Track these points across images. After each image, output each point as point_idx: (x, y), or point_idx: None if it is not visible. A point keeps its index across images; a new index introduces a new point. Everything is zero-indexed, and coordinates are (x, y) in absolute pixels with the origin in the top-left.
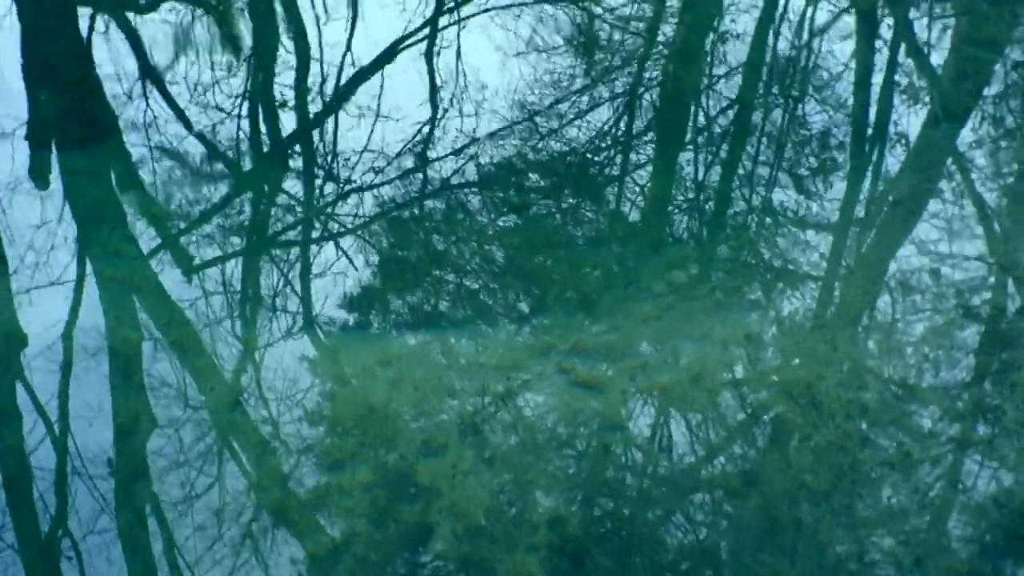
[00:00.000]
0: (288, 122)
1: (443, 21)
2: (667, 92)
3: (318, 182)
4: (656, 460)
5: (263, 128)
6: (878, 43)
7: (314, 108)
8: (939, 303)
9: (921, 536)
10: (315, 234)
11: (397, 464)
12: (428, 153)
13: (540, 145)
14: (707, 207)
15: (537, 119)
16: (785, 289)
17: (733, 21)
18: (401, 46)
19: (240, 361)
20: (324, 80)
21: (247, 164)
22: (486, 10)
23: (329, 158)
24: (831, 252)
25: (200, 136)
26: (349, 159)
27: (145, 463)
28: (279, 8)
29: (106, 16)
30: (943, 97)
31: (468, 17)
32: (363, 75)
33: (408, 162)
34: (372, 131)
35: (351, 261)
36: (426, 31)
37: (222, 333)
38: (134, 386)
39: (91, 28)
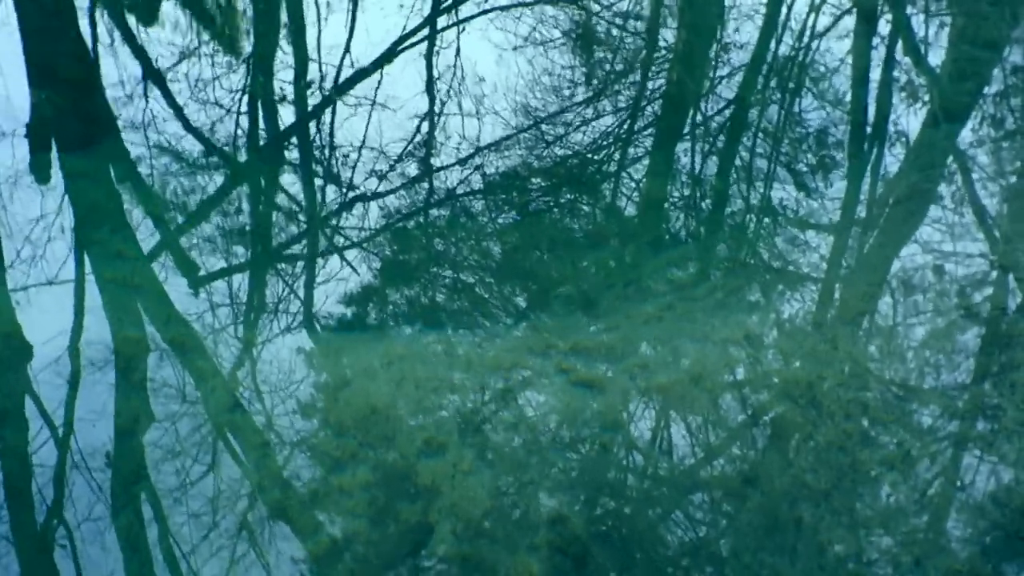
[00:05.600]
0: (289, 122)
1: (443, 20)
2: (668, 92)
3: (319, 183)
4: (656, 460)
5: (264, 129)
6: (878, 44)
7: (314, 109)
8: (939, 303)
9: (921, 536)
10: (316, 234)
11: (398, 464)
12: (428, 153)
13: (540, 145)
14: (707, 207)
15: (538, 119)
16: (785, 289)
17: (734, 22)
18: (401, 46)
19: (241, 361)
20: (324, 81)
21: (247, 165)
22: (485, 11)
23: (330, 159)
24: (831, 252)
25: (200, 136)
26: (350, 160)
27: (145, 463)
28: (279, 10)
29: (106, 16)
30: (943, 97)
31: (468, 19)
32: (363, 76)
33: (408, 162)
34: (372, 133)
35: (352, 262)
36: (426, 30)
37: (223, 333)
38: (135, 386)
39: (93, 29)
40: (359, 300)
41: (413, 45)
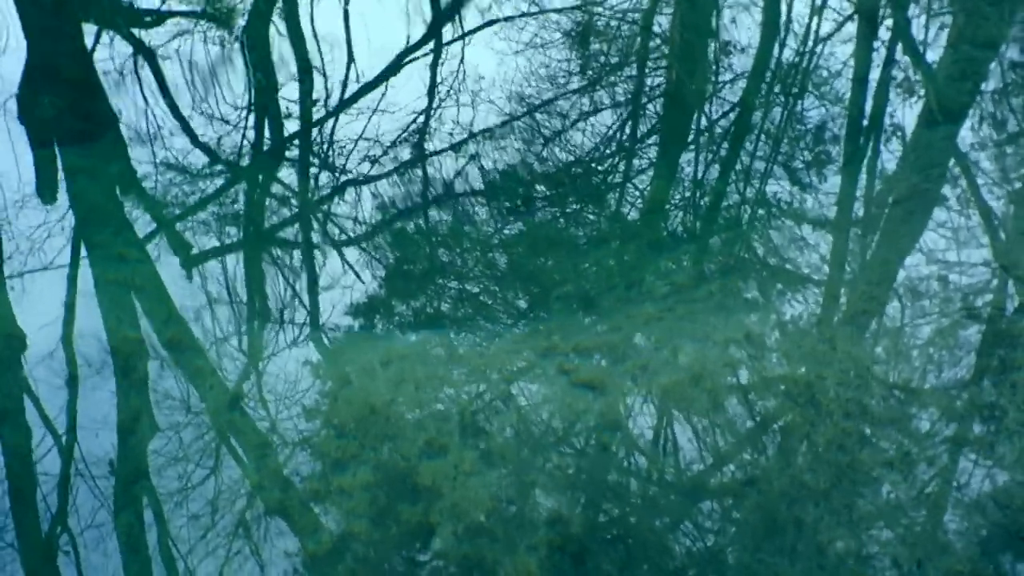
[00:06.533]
0: (290, 122)
1: (444, 21)
2: (668, 93)
3: (319, 182)
4: (656, 460)
5: (264, 128)
6: (878, 44)
7: (315, 107)
8: (939, 303)
9: (921, 536)
10: (317, 235)
11: (398, 464)
12: (430, 154)
13: (542, 146)
14: (708, 208)
15: (538, 120)
16: (785, 289)
17: (735, 25)
18: (403, 49)
19: (241, 362)
20: (325, 79)
21: (248, 164)
22: (491, 22)
23: (330, 158)
24: (831, 252)
25: (200, 136)
26: (350, 159)
27: (146, 463)
28: (279, 12)
29: (106, 16)
30: (943, 97)
31: (472, 30)
32: (364, 75)
33: (410, 163)
34: (373, 133)
35: (352, 262)
36: (426, 30)
37: (223, 334)
38: (135, 386)
39: (98, 31)
40: (360, 301)
41: (416, 48)
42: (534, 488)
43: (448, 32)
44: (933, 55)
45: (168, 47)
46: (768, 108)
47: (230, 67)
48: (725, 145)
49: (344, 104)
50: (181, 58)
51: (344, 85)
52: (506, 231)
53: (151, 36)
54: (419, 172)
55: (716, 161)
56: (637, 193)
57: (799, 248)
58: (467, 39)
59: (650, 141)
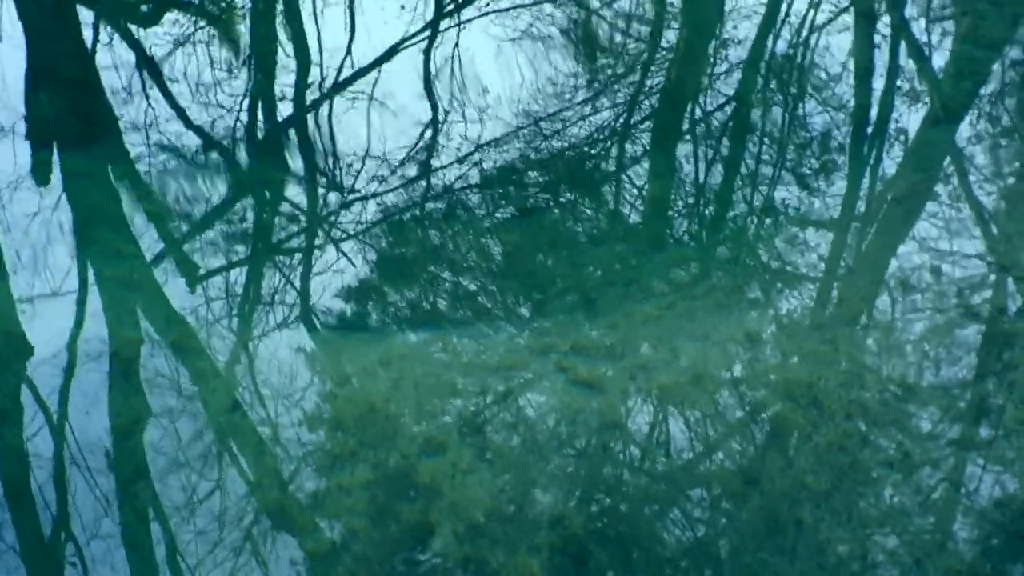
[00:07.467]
0: (289, 123)
1: (443, 21)
2: (668, 92)
3: (319, 183)
4: (656, 460)
5: (264, 128)
6: (878, 43)
7: (315, 109)
8: (939, 303)
9: (922, 536)
10: (316, 234)
11: (397, 463)
12: (427, 152)
13: (540, 144)
14: (707, 207)
15: (538, 119)
16: (785, 289)
17: (734, 23)
18: (400, 41)
19: (241, 361)
20: (325, 81)
21: (248, 165)
22: (485, 14)
23: (330, 158)
24: (831, 252)
25: (200, 136)
26: (349, 159)
27: (145, 463)
28: (279, 10)
29: (106, 16)
30: (943, 97)
31: (469, 21)
32: (364, 77)
33: (408, 161)
34: (372, 131)
35: (351, 261)
36: (427, 32)
37: (222, 333)
38: (134, 387)
39: (96, 29)
40: (359, 299)
41: (412, 38)
42: (534, 487)
43: (445, 22)
44: (935, 54)
45: (168, 47)
46: (768, 108)
47: (230, 65)
48: (725, 145)
49: (346, 106)
50: (182, 58)
51: (342, 83)
52: (505, 230)
53: (152, 36)
54: (418, 173)
55: (716, 160)
56: (636, 191)
57: (799, 247)
58: (462, 26)
59: (650, 140)
